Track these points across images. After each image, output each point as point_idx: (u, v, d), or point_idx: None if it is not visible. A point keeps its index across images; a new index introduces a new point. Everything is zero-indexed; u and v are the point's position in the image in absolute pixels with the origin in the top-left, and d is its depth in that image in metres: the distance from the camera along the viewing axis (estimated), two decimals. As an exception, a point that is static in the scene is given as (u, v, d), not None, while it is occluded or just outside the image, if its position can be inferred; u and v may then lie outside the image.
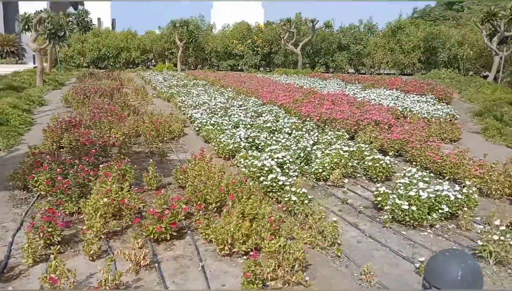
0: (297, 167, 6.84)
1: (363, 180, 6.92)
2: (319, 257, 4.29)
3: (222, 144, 7.78)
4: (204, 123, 9.49)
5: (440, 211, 5.03)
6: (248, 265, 3.45)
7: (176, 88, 16.69)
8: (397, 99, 14.25)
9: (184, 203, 4.71)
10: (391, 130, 9.15)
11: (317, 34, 28.72)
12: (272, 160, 6.62)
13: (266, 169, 6.02)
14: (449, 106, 14.10)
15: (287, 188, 5.36)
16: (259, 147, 7.97)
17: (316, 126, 10.15)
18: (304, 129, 9.09)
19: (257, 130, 9.40)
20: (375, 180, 6.68)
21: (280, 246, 3.72)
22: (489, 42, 21.47)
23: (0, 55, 34.51)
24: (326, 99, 13.38)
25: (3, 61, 32.27)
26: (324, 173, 6.62)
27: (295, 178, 6.62)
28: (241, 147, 7.73)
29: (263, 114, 10.60)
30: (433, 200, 5.05)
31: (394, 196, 5.15)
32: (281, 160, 6.76)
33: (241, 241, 4.01)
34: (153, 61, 33.39)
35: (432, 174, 7.07)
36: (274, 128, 9.55)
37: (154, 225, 4.32)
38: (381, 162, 6.63)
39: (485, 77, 22.88)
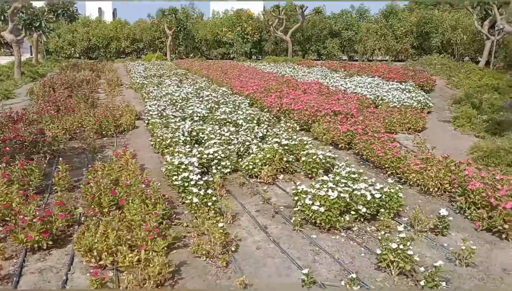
0: (229, 163, 6.42)
1: (301, 175, 6.47)
2: (203, 267, 3.88)
3: (159, 139, 7.37)
4: (154, 116, 9.07)
5: (352, 212, 4.58)
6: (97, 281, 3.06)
7: (150, 79, 16.23)
8: (377, 87, 13.71)
9: (76, 208, 4.32)
10: (352, 121, 8.64)
11: (308, 21, 27.98)
12: (198, 156, 6.24)
13: (183, 166, 5.59)
14: (428, 94, 13.52)
15: (190, 188, 4.93)
16: (202, 141, 7.56)
17: (276, 118, 9.71)
18: (255, 122, 8.64)
19: (210, 123, 9.00)
20: (310, 176, 6.25)
21: (139, 260, 3.31)
22: (479, 26, 20.66)
23: None
24: (299, 88, 12.88)
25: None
26: (255, 169, 6.19)
27: (227, 174, 6.25)
28: (180, 141, 7.31)
29: (222, 106, 10.12)
30: (347, 200, 4.61)
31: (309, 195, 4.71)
32: (211, 156, 6.35)
33: (107, 253, 3.61)
34: (144, 50, 32.94)
35: (377, 169, 6.69)
36: (229, 120, 9.11)
37: (25, 234, 3.94)
38: (314, 157, 6.17)
39: (478, 62, 22.11)
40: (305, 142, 6.94)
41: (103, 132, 8.64)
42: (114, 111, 9.57)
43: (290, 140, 6.98)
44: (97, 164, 5.69)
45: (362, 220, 4.77)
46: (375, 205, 4.69)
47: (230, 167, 6.39)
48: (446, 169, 5.69)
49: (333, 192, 4.51)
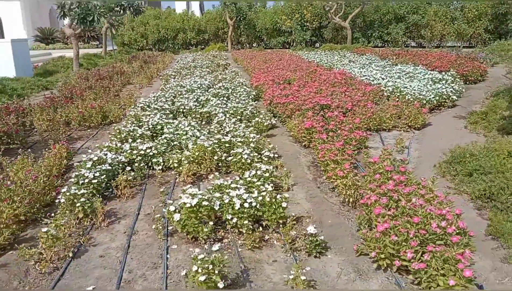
0: (161, 160, 6.20)
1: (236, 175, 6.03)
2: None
3: (117, 133, 7.37)
4: (138, 108, 9.13)
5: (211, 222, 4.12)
6: None
7: (183, 70, 16.46)
8: (410, 77, 12.46)
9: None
10: (329, 115, 7.87)
11: (371, 5, 26.20)
12: (128, 152, 6.11)
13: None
14: (473, 85, 11.91)
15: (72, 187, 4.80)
16: (163, 134, 7.41)
17: (270, 112, 9.20)
18: (238, 117, 8.34)
19: (193, 116, 8.86)
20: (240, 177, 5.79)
21: None
22: None
23: (83, 40, 37.44)
24: (318, 79, 12.11)
25: (86, 46, 34.88)
26: (180, 168, 5.89)
27: (161, 171, 6.03)
28: (137, 134, 7.24)
29: (212, 98, 9.87)
30: (214, 207, 4.15)
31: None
32: (142, 152, 6.18)
33: None
34: (209, 41, 33.60)
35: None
36: (209, 114, 8.88)
37: None
38: (239, 156, 5.70)
39: None
40: (250, 140, 6.44)
41: (87, 124, 8.89)
42: (109, 103, 9.83)
43: (228, 136, 6.55)
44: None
45: (237, 231, 4.27)
46: (246, 215, 4.15)
47: (162, 163, 6.17)
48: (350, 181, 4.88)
49: (193, 198, 4.08)
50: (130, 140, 6.77)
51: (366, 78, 12.43)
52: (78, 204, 4.46)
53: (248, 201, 4.16)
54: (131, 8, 27.58)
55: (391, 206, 4.03)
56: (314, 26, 27.99)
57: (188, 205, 4.02)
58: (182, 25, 32.97)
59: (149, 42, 34.50)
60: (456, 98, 10.18)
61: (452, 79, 12.25)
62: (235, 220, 4.12)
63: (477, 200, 4.76)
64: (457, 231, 3.54)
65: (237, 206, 4.08)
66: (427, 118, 8.46)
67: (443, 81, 11.86)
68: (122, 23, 30.28)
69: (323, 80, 11.61)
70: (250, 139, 6.42)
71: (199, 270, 3.16)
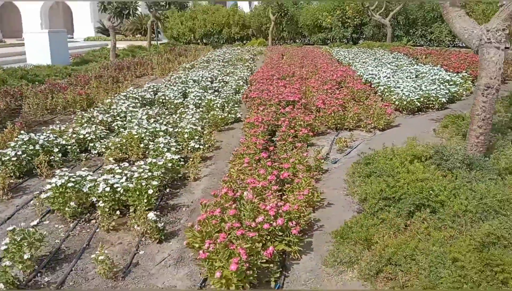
0: (98, 145, 6.56)
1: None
2: None
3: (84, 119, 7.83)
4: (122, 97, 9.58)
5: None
6: None
7: (204, 63, 16.87)
8: (417, 78, 11.95)
9: None
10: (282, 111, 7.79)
11: (414, 2, 24.95)
12: (69, 135, 6.54)
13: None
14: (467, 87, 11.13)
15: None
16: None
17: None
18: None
19: (167, 108, 9.19)
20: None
21: None
22: None
23: (140, 33, 39.38)
24: (319, 76, 11.94)
25: (142, 38, 36.62)
26: (106, 153, 6.22)
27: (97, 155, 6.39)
28: (98, 121, 7.68)
29: (193, 90, 10.12)
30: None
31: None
32: (81, 136, 6.59)
33: None
34: (252, 37, 33.86)
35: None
36: (183, 105, 9.16)
37: None
38: (157, 145, 5.90)
39: None
40: (185, 131, 6.61)
41: (71, 109, 9.52)
42: (105, 91, 10.46)
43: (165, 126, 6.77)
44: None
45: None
46: (109, 199, 4.36)
47: (99, 148, 6.53)
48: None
49: (59, 179, 4.37)
50: (85, 125, 7.21)
51: (372, 77, 12.03)
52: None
53: (115, 186, 4.37)
54: (175, 3, 28.61)
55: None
56: (355, 23, 27.21)
57: (53, 185, 4.30)
58: (228, 20, 33.48)
59: (197, 36, 35.37)
60: (446, 101, 9.59)
61: (463, 81, 11.58)
62: (100, 202, 4.34)
63: (361, 203, 4.60)
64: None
65: (100, 189, 4.30)
66: (392, 119, 8.13)
67: (451, 83, 11.25)
68: (167, 16, 31.41)
69: (319, 78, 11.45)
70: (185, 131, 6.60)
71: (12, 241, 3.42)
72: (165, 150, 5.72)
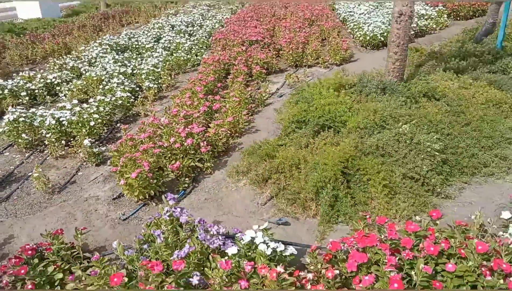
0: (64, 88, 7.09)
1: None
2: None
3: (56, 66, 8.32)
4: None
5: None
6: None
7: (189, 9, 16.94)
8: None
9: None
10: (239, 50, 8.13)
11: None
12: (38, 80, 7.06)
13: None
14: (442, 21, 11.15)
15: None
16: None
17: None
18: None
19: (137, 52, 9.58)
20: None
21: None
22: None
23: None
24: (295, 16, 12.06)
25: None
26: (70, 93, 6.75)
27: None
28: (69, 67, 8.16)
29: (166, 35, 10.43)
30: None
31: None
32: (48, 81, 7.11)
33: None
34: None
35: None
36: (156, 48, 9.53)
37: None
38: (111, 85, 6.41)
39: None
40: (143, 72, 7.08)
41: (50, 58, 9.98)
42: (86, 39, 10.86)
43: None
44: None
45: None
46: (56, 131, 4.95)
47: (64, 91, 7.06)
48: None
49: (12, 115, 4.95)
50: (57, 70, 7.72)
51: (350, 15, 12.08)
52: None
53: (61, 119, 4.94)
54: None
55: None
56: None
57: (6, 120, 4.89)
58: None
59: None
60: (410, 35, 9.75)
61: (437, 15, 11.63)
62: (48, 134, 4.92)
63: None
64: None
65: (47, 123, 4.88)
66: (349, 54, 8.41)
67: (426, 17, 11.35)
68: None
69: (295, 18, 11.60)
70: (143, 72, 7.07)
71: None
72: (119, 89, 6.22)
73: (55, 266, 2.68)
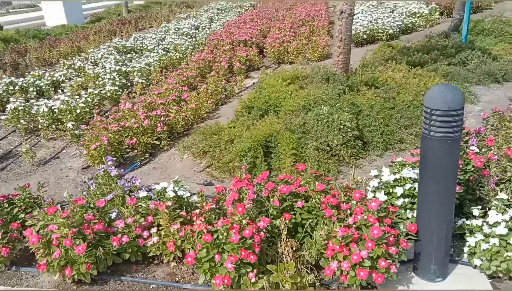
0: (66, 84, 8.10)
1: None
2: None
3: (65, 66, 9.40)
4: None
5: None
6: None
7: (199, 13, 17.92)
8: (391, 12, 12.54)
9: None
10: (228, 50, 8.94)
11: None
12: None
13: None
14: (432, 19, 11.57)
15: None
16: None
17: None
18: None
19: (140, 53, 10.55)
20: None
21: None
22: None
23: None
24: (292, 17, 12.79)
25: None
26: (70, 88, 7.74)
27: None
28: (77, 67, 9.21)
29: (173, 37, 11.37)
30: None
31: None
32: (54, 78, 8.15)
33: None
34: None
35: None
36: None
37: None
38: (105, 80, 7.34)
39: None
40: (135, 69, 8.00)
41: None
42: (97, 43, 11.97)
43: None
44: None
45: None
46: (49, 117, 5.90)
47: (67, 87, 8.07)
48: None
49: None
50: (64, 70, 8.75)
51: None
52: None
53: (53, 108, 5.89)
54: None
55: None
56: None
57: (8, 109, 5.88)
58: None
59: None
60: (394, 32, 10.30)
61: (428, 13, 12.09)
62: (41, 119, 5.88)
63: (240, 113, 5.83)
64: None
65: (41, 110, 5.84)
66: (326, 51, 9.04)
67: (418, 15, 11.86)
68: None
69: (292, 19, 12.32)
70: (135, 69, 8.00)
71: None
72: (109, 83, 7.16)
73: (19, 209, 3.55)
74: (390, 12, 12.53)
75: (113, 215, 3.22)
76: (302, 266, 2.84)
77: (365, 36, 9.99)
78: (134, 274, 3.10)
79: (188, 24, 13.61)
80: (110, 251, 3.02)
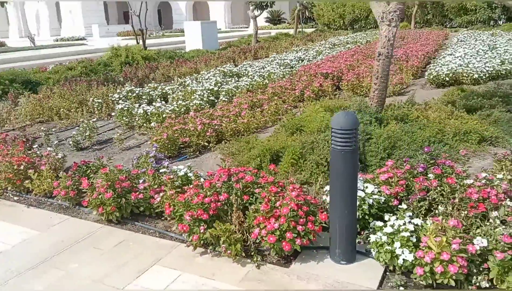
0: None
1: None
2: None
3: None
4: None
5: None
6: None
7: (312, 47, 19.38)
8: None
9: None
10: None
11: None
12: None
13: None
14: None
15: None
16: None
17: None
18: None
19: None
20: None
21: None
22: None
23: (304, 22, 43.60)
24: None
25: (306, 26, 40.69)
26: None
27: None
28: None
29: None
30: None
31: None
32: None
33: None
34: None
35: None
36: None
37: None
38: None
39: None
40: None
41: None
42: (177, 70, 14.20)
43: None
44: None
45: (144, 127, 7.94)
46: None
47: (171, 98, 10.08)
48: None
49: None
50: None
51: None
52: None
53: (147, 111, 7.78)
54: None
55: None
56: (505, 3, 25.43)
57: (117, 109, 7.95)
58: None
59: (346, 22, 37.32)
60: (479, 77, 10.29)
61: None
62: (137, 118, 7.80)
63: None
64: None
65: (138, 112, 7.76)
66: (397, 88, 9.57)
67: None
68: (314, 5, 34.21)
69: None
70: (222, 90, 9.67)
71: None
72: (198, 98, 8.91)
73: (91, 170, 5.24)
74: (487, 50, 12.28)
75: (141, 181, 4.67)
76: (245, 233, 3.89)
77: (447, 79, 10.21)
78: (144, 222, 4.47)
79: (293, 56, 15.11)
80: (130, 202, 4.45)
